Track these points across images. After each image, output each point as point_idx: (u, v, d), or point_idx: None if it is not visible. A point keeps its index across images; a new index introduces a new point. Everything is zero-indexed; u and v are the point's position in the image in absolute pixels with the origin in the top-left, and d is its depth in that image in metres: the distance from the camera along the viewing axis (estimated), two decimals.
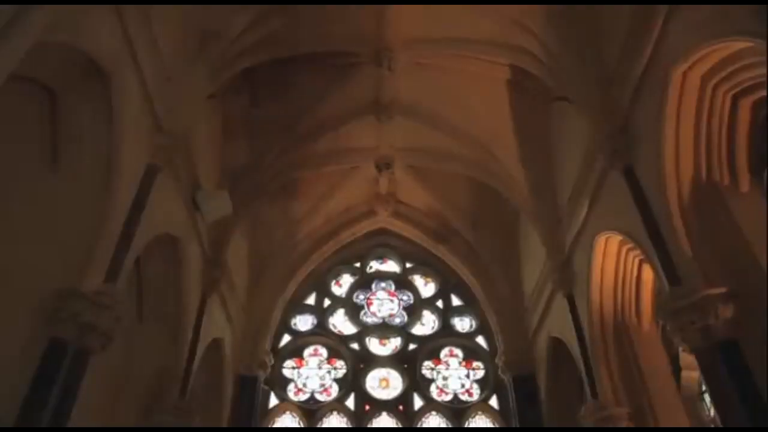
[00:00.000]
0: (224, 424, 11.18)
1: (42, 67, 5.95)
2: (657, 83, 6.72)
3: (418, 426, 12.40)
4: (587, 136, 8.68)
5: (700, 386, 8.65)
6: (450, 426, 12.42)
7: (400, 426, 12.39)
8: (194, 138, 8.99)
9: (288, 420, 12.48)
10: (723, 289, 5.97)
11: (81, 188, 6.42)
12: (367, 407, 12.67)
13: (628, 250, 8.64)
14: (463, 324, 14.21)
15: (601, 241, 8.80)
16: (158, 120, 7.51)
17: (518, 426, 11.77)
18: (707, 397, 8.43)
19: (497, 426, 12.42)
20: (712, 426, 8.46)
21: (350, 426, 12.35)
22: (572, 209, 9.70)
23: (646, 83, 7.03)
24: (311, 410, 12.56)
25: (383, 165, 12.84)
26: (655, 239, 6.83)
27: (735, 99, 6.52)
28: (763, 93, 6.29)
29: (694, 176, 6.67)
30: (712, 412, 8.30)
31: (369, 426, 12.37)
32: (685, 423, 8.24)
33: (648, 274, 8.68)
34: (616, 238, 8.59)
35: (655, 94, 6.77)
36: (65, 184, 6.36)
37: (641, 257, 8.16)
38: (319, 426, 12.35)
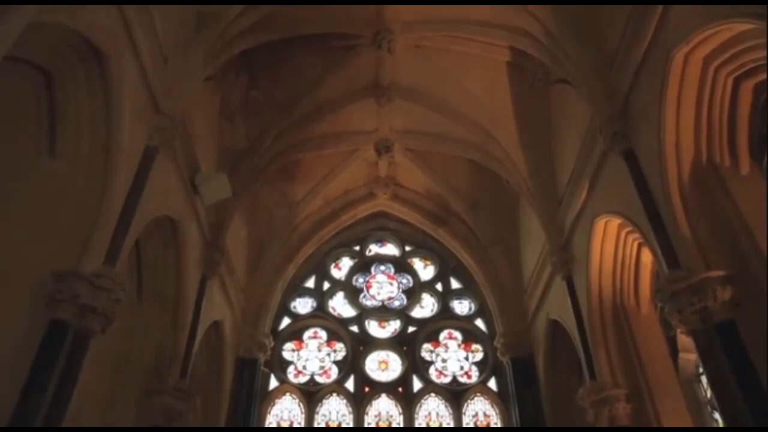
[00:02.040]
0: (224, 406, 11.26)
1: (37, 48, 5.90)
2: (658, 66, 6.67)
3: (417, 407, 12.50)
4: (587, 119, 8.66)
5: (697, 368, 8.69)
6: (449, 407, 12.52)
7: (399, 408, 12.50)
8: (192, 120, 8.95)
9: (288, 402, 12.58)
10: (722, 272, 5.98)
11: (79, 170, 6.40)
12: (367, 389, 12.77)
13: (628, 233, 8.65)
14: (462, 307, 14.28)
15: (600, 223, 8.80)
16: (156, 102, 7.47)
17: (517, 408, 11.85)
18: (704, 379, 8.47)
19: (496, 407, 12.52)
20: (708, 408, 8.51)
21: (350, 408, 12.45)
22: (572, 192, 9.70)
23: (647, 65, 6.98)
24: (311, 392, 12.66)
25: (383, 148, 12.81)
26: (654, 222, 6.83)
27: (737, 81, 6.49)
28: (765, 75, 6.25)
29: (695, 159, 6.66)
30: (709, 393, 8.35)
31: (368, 406, 12.49)
32: (681, 404, 8.30)
33: (647, 257, 8.70)
34: (615, 221, 8.59)
35: (656, 77, 6.73)
36: (63, 166, 6.35)
37: (640, 240, 8.17)
38: (318, 407, 12.47)
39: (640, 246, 8.73)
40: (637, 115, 7.32)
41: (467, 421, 12.40)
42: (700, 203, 6.50)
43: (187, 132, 8.69)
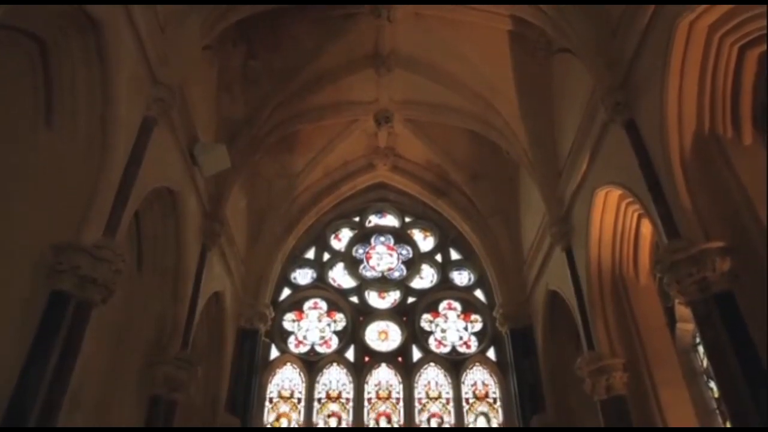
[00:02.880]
0: (226, 376, 11.38)
1: (31, 16, 5.81)
2: (662, 34, 6.57)
3: (417, 377, 12.66)
4: (589, 89, 8.57)
5: (694, 338, 8.77)
6: (448, 376, 12.67)
7: (398, 377, 12.65)
8: (190, 91, 8.85)
9: (289, 371, 12.73)
10: (721, 243, 5.98)
11: (76, 142, 6.36)
12: (367, 359, 12.91)
13: (628, 204, 8.64)
14: (461, 278, 14.35)
15: (600, 195, 8.78)
16: (153, 72, 7.38)
17: (515, 377, 11.98)
18: (701, 349, 8.56)
19: (494, 377, 12.68)
20: (704, 377, 8.61)
21: (350, 377, 12.61)
22: (572, 163, 9.66)
23: (651, 34, 6.87)
24: (312, 362, 12.80)
25: (382, 118, 12.72)
26: (654, 192, 6.81)
27: (742, 50, 6.40)
28: None
29: (697, 129, 6.60)
30: (705, 363, 8.44)
31: (368, 376, 12.65)
32: (677, 374, 8.40)
33: (647, 228, 8.70)
34: (615, 192, 8.57)
35: (659, 46, 6.63)
36: (60, 137, 6.31)
37: (640, 211, 8.17)
38: (319, 376, 12.63)
39: (640, 217, 8.73)
40: (639, 85, 7.24)
41: (466, 390, 12.57)
42: (701, 174, 6.46)
43: (185, 103, 8.62)
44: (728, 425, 7.59)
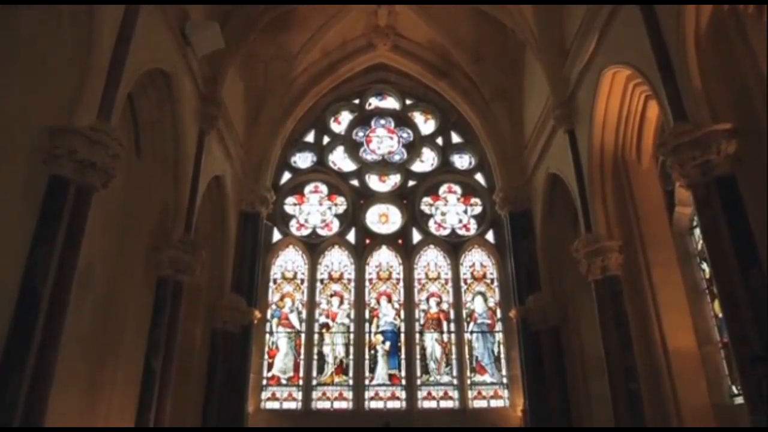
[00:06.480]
0: (230, 258, 11.61)
1: None
2: None
3: (416, 258, 12.99)
4: None
5: (691, 222, 8.86)
6: (447, 258, 13.00)
7: (398, 259, 12.98)
8: None
9: (291, 253, 13.05)
10: (728, 126, 5.89)
11: (60, 19, 6.07)
12: (368, 241, 13.18)
13: (635, 85, 8.41)
14: (462, 161, 14.32)
15: (608, 75, 8.52)
16: None
17: (512, 258, 12.26)
18: (696, 232, 8.67)
19: (492, 258, 13.01)
20: (697, 259, 8.79)
21: (351, 259, 12.94)
22: (580, 42, 9.28)
23: None
24: (313, 244, 13.08)
25: None
26: (664, 72, 6.61)
27: None
28: None
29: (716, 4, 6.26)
30: (699, 245, 8.59)
31: (369, 257, 12.97)
32: (671, 256, 8.58)
33: (653, 111, 8.52)
34: (623, 73, 8.31)
35: None
36: (42, 15, 6.01)
37: (648, 93, 7.96)
38: (321, 258, 12.95)
39: (646, 99, 8.53)
40: None
41: (464, 271, 12.95)
42: (715, 52, 6.22)
43: None
44: (716, 304, 7.87)
